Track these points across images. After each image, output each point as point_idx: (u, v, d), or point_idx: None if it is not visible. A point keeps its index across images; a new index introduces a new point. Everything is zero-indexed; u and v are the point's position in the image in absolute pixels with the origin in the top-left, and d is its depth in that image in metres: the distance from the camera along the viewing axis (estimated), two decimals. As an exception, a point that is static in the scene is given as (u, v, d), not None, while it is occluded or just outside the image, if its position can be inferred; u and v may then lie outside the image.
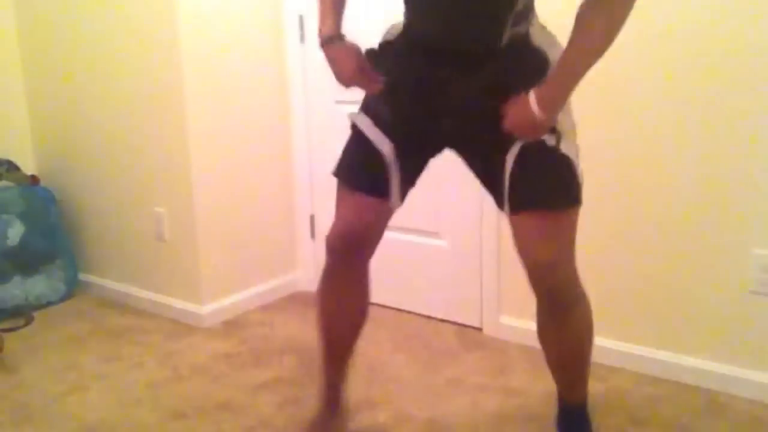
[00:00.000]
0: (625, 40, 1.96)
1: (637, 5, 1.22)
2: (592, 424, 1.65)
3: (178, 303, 2.64)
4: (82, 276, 2.98)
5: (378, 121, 1.47)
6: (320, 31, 1.46)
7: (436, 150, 1.53)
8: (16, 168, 2.87)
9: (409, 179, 1.52)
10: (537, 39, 1.37)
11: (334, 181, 1.66)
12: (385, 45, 1.50)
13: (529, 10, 1.35)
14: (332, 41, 1.44)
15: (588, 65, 1.27)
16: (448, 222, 2.46)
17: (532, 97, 1.29)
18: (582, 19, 1.26)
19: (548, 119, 1.30)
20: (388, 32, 1.51)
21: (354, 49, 1.44)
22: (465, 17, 1.32)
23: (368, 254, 1.56)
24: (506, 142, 1.37)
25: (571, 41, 1.28)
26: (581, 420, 1.63)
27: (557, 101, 1.31)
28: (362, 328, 1.65)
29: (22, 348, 2.40)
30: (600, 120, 2.01)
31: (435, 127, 1.45)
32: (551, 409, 1.66)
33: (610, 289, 2.11)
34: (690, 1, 1.86)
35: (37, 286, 2.80)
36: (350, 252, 1.53)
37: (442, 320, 2.55)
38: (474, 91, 1.38)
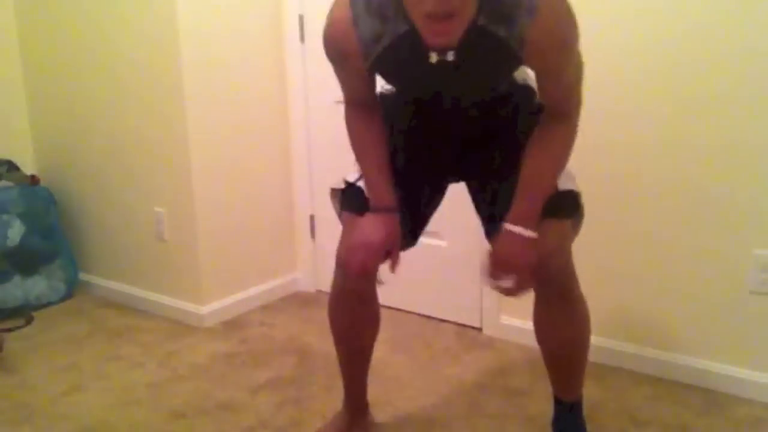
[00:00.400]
0: (627, 40, 1.97)
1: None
2: (587, 425, 1.65)
3: (178, 303, 2.64)
4: (82, 276, 2.98)
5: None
6: (375, 199, 1.47)
7: (446, 186, 1.65)
8: (16, 168, 2.87)
9: (430, 212, 1.65)
10: (517, 75, 1.46)
11: (333, 181, 1.66)
12: (383, 98, 1.55)
13: None
14: (383, 211, 1.47)
15: (549, 185, 1.39)
16: (448, 222, 2.46)
17: (516, 228, 1.37)
18: (531, 149, 1.38)
19: (535, 234, 1.38)
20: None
21: (394, 227, 1.47)
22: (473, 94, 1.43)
23: (377, 270, 1.57)
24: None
25: (532, 163, 1.38)
26: (575, 420, 1.63)
27: (537, 215, 1.39)
28: (376, 337, 1.68)
29: (22, 348, 2.40)
30: (599, 120, 2.01)
31: (441, 186, 1.62)
32: (551, 409, 1.66)
33: (610, 289, 2.11)
34: (690, 2, 1.86)
35: (37, 286, 2.80)
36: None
37: (442, 320, 2.55)
38: (481, 151, 1.51)
